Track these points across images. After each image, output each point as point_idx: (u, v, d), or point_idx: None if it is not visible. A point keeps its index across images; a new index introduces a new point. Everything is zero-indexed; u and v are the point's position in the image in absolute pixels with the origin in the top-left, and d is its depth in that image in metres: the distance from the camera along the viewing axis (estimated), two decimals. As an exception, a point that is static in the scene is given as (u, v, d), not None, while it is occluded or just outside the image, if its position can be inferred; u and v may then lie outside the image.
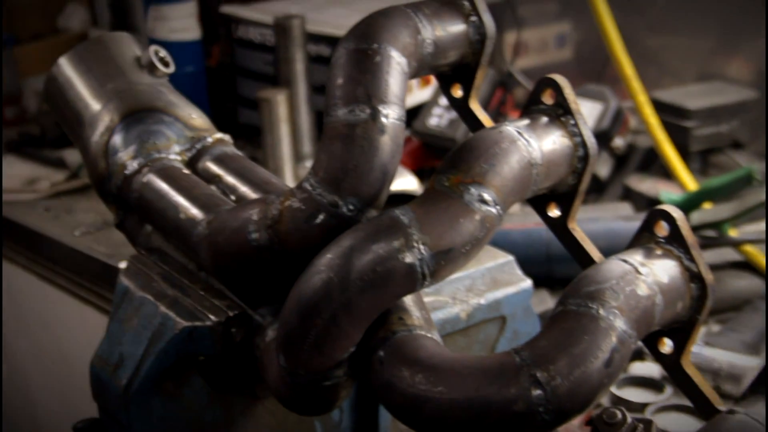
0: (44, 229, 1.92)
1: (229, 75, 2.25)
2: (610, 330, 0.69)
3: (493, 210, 0.75)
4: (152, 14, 2.17)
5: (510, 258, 1.07)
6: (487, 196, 0.74)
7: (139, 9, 2.38)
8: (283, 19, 1.97)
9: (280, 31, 1.97)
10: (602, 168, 1.88)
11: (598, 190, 1.88)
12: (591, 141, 0.82)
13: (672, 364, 0.79)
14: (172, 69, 1.06)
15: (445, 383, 0.70)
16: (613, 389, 1.25)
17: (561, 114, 0.82)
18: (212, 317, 0.87)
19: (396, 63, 0.80)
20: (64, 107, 1.04)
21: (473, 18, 0.87)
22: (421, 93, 2.07)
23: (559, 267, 1.49)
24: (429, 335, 0.76)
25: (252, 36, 2.17)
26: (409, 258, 0.73)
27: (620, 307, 0.70)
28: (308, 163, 1.99)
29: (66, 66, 1.03)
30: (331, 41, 2.04)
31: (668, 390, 1.25)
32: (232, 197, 0.95)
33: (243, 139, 2.14)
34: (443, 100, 1.99)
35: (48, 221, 1.94)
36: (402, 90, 0.80)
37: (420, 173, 1.94)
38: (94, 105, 1.01)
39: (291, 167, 1.92)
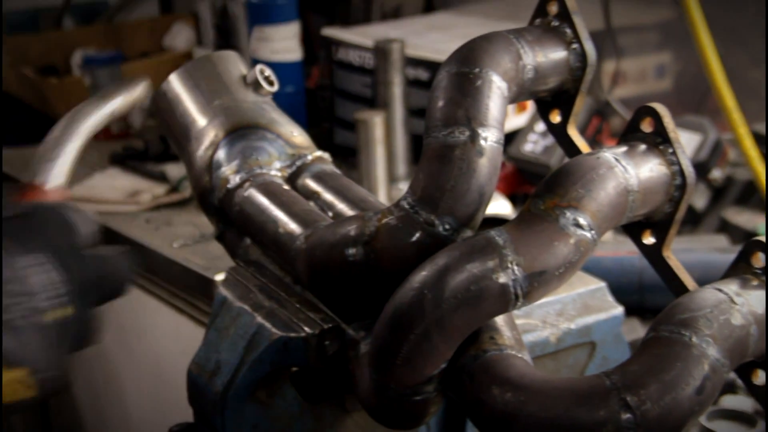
0: (145, 240, 1.97)
1: (327, 96, 2.29)
2: (702, 358, 0.69)
3: (588, 234, 0.76)
4: (256, 35, 2.22)
5: (602, 284, 1.08)
6: (582, 221, 0.75)
7: (243, 29, 2.44)
8: (383, 43, 2.01)
9: (379, 54, 2.01)
10: (699, 199, 1.86)
11: (694, 221, 1.86)
12: (689, 170, 0.82)
13: (766, 397, 0.78)
14: (275, 88, 1.09)
15: (535, 403, 0.70)
16: (703, 421, 1.23)
17: (659, 142, 0.82)
18: (307, 329, 0.89)
19: (497, 87, 0.81)
20: (171, 122, 1.08)
21: (574, 45, 0.88)
22: (517, 119, 2.08)
23: (652, 296, 1.48)
24: (520, 355, 0.77)
25: (351, 58, 2.21)
26: (502, 278, 0.74)
27: (713, 335, 0.70)
28: (402, 185, 2.01)
29: (175, 82, 1.07)
30: (430, 65, 2.07)
31: (761, 425, 1.23)
32: (330, 214, 0.98)
33: (338, 159, 2.16)
34: (539, 127, 1.99)
35: (149, 232, 2.00)
36: (502, 114, 0.82)
37: (513, 198, 1.94)
38: (201, 120, 1.05)
39: (385, 188, 1.95)
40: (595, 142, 2.03)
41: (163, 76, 1.08)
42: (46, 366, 0.70)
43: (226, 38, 2.70)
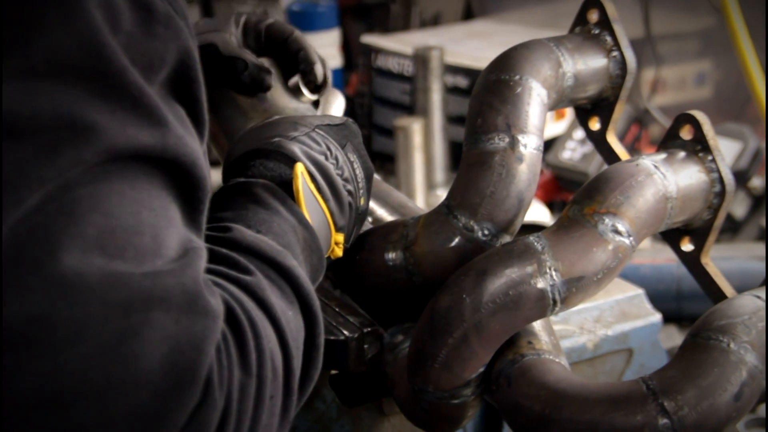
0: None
1: (366, 103, 2.31)
2: (740, 364, 0.69)
3: (626, 241, 0.76)
4: (296, 42, 2.24)
5: (639, 291, 1.08)
6: (620, 227, 0.76)
7: (284, 37, 2.46)
8: (422, 50, 2.02)
9: (419, 61, 2.02)
10: (738, 208, 1.85)
11: (734, 229, 1.85)
12: (728, 177, 0.82)
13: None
14: (315, 97, 1.10)
15: (572, 407, 0.71)
16: (741, 429, 1.23)
17: (699, 150, 0.83)
18: (346, 332, 0.90)
19: (536, 94, 0.82)
20: (217, 126, 1.09)
21: (614, 53, 0.89)
22: (555, 126, 2.08)
23: (690, 304, 1.48)
24: (557, 360, 0.78)
25: (391, 65, 2.22)
26: (541, 283, 0.74)
27: (752, 342, 0.70)
28: (440, 192, 2.02)
29: (220, 88, 1.09)
30: (469, 73, 2.07)
31: (799, 435, 1.22)
32: (369, 219, 0.99)
33: (376, 165, 2.18)
34: (577, 134, 1.99)
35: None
36: (541, 121, 0.82)
37: (551, 206, 1.94)
38: (245, 126, 1.06)
39: (423, 195, 1.95)
40: (633, 150, 2.02)
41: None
42: (350, 238, 0.86)
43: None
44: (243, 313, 0.63)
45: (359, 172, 0.86)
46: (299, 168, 0.78)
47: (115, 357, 0.53)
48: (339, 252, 0.83)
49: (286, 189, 0.78)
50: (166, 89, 0.61)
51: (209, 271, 0.65)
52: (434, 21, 2.72)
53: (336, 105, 1.06)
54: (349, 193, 0.83)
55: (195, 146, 0.62)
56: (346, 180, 0.83)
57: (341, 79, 2.33)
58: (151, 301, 0.55)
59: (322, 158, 0.82)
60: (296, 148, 0.81)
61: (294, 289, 0.70)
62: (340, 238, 0.83)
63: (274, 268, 0.70)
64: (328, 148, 0.83)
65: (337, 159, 0.83)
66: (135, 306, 0.55)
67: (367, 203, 0.88)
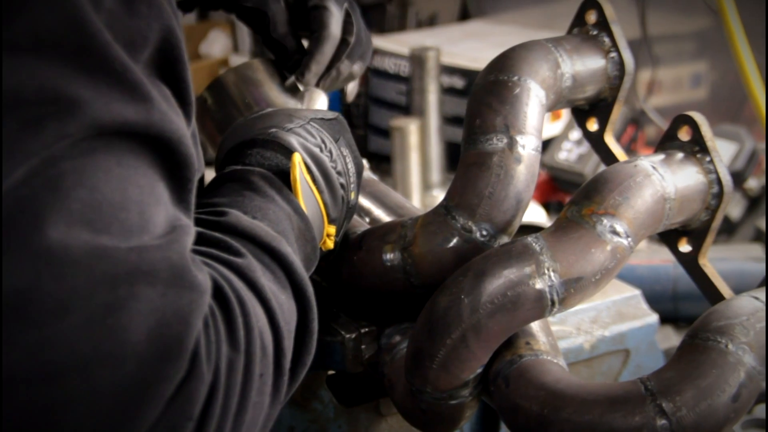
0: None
1: (361, 103, 2.31)
2: (738, 365, 0.69)
3: (625, 242, 0.76)
4: (292, 42, 2.24)
5: (636, 292, 1.08)
6: (619, 228, 0.76)
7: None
8: (419, 51, 2.02)
9: (415, 62, 2.02)
10: (734, 209, 1.85)
11: (729, 230, 1.85)
12: (726, 178, 0.82)
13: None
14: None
15: (570, 407, 0.71)
16: (738, 430, 1.23)
17: (697, 151, 0.83)
18: (343, 333, 0.90)
19: (535, 95, 0.82)
20: (212, 126, 1.09)
21: (613, 54, 0.89)
22: (551, 127, 2.08)
23: (686, 305, 1.48)
24: (555, 361, 0.78)
25: (387, 66, 2.22)
26: (539, 284, 0.74)
27: (750, 343, 0.70)
28: (436, 192, 2.02)
29: (217, 89, 1.09)
30: (465, 73, 2.08)
31: (795, 436, 1.22)
32: (367, 219, 0.99)
33: (372, 166, 2.18)
34: (573, 135, 1.99)
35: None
36: (540, 122, 0.82)
37: (547, 206, 1.94)
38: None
39: (419, 195, 1.96)
40: (629, 151, 2.03)
41: (200, 83, 1.09)
42: (340, 231, 0.86)
43: (263, 45, 2.72)
44: (231, 291, 0.63)
45: (351, 167, 0.87)
46: (297, 158, 0.79)
47: (102, 329, 0.54)
48: (330, 244, 0.84)
49: (282, 179, 0.79)
50: (150, 68, 0.61)
51: (201, 253, 0.65)
52: (430, 21, 2.72)
53: (319, 103, 1.06)
54: (342, 186, 0.84)
55: (180, 124, 0.62)
56: (339, 173, 0.84)
57: (337, 80, 2.34)
58: (137, 275, 0.55)
59: (317, 150, 0.83)
60: (293, 139, 0.81)
61: (287, 274, 0.71)
62: (332, 230, 0.83)
63: (268, 253, 0.70)
64: (323, 141, 0.84)
65: (331, 152, 0.84)
66: (121, 279, 0.55)
67: (357, 198, 0.89)
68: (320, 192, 0.81)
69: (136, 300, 0.55)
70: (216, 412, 0.59)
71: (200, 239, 0.66)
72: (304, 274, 0.72)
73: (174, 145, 0.61)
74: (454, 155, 2.12)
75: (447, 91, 2.08)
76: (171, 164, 0.61)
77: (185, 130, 0.62)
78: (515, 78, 0.82)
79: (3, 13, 0.53)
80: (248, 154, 0.81)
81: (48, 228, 0.53)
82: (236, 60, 2.80)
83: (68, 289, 0.53)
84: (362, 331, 0.90)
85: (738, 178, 1.85)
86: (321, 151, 0.83)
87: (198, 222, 0.68)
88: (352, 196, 0.87)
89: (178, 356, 0.56)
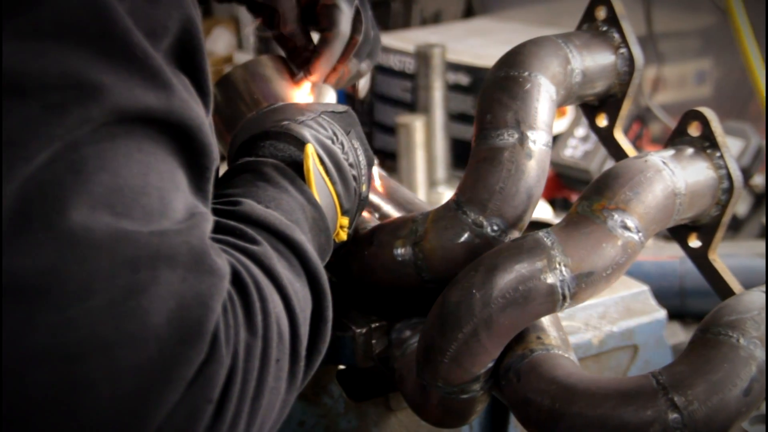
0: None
1: (366, 100, 2.31)
2: (750, 359, 0.69)
3: (636, 237, 0.76)
4: (297, 39, 2.24)
5: (644, 288, 1.08)
6: (630, 223, 0.76)
7: (284, 34, 2.46)
8: (424, 48, 2.02)
9: (421, 59, 2.02)
10: (740, 206, 1.85)
11: (735, 227, 1.86)
12: (736, 174, 0.83)
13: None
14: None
15: (582, 402, 0.71)
16: (746, 426, 1.23)
17: (707, 146, 0.83)
18: (354, 328, 0.90)
19: (545, 91, 0.82)
20: (222, 123, 1.09)
21: (622, 50, 0.89)
22: (557, 124, 2.08)
23: (693, 301, 1.48)
24: (566, 355, 0.78)
25: (392, 63, 2.23)
26: (550, 279, 0.75)
27: (761, 337, 0.70)
28: (441, 189, 2.02)
29: (226, 85, 1.09)
30: (470, 70, 2.08)
31: (803, 432, 1.22)
32: (376, 215, 0.99)
33: (378, 162, 2.18)
34: (579, 132, 2.00)
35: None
36: (550, 117, 0.83)
37: (552, 203, 1.95)
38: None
39: (425, 192, 1.96)
40: (635, 148, 2.02)
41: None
42: (352, 223, 0.87)
43: (267, 42, 2.72)
44: (249, 277, 0.64)
45: (362, 159, 0.88)
46: (310, 149, 0.79)
47: (123, 311, 0.54)
48: (343, 236, 0.85)
49: (295, 170, 0.79)
50: (170, 58, 0.62)
51: (218, 241, 0.65)
52: (435, 19, 2.72)
53: (328, 99, 1.07)
54: (354, 178, 0.85)
55: (200, 112, 0.62)
56: (351, 165, 0.85)
57: (342, 77, 2.34)
58: (158, 259, 0.56)
59: (329, 142, 0.83)
60: (305, 131, 0.82)
61: (302, 262, 0.71)
62: (345, 221, 0.84)
63: (283, 241, 0.71)
64: (335, 134, 0.85)
65: (342, 144, 0.85)
66: (142, 262, 0.55)
67: (368, 190, 0.89)
68: (333, 183, 0.82)
69: (157, 283, 0.55)
70: (234, 396, 0.59)
71: (216, 228, 0.67)
72: (319, 263, 0.73)
73: (194, 133, 0.61)
74: (459, 152, 2.12)
75: (452, 88, 2.08)
76: (190, 152, 0.62)
77: (204, 118, 0.63)
78: (526, 74, 0.82)
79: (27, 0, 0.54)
80: (261, 147, 0.82)
81: (70, 211, 0.54)
82: (240, 57, 2.80)
83: (90, 271, 0.54)
84: (373, 326, 0.90)
85: (744, 174, 1.84)
86: (333, 143, 0.84)
87: (212, 212, 0.68)
88: (364, 188, 0.88)
89: (199, 339, 0.57)
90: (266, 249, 0.68)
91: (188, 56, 0.63)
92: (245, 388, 0.60)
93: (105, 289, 0.54)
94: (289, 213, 0.75)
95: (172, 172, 0.60)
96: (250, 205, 0.72)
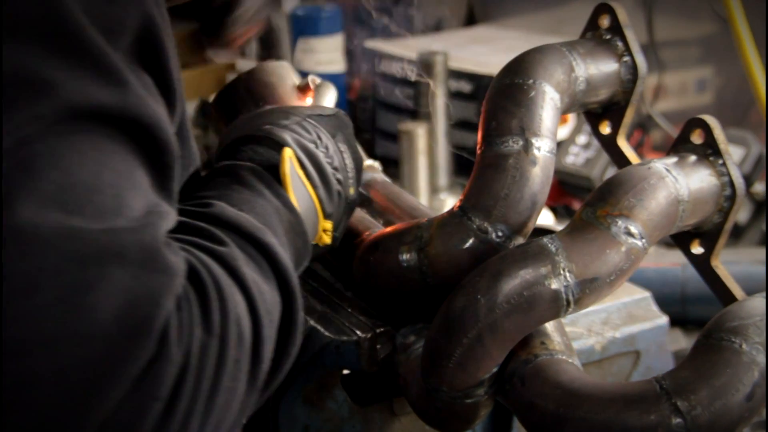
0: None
1: (368, 107, 2.32)
2: (752, 365, 0.70)
3: (639, 243, 0.77)
4: (300, 46, 2.26)
5: (646, 294, 1.09)
6: (633, 229, 0.77)
7: (286, 42, 2.47)
8: (427, 55, 2.03)
9: (423, 66, 2.03)
10: (741, 213, 1.86)
11: (736, 235, 1.86)
12: (739, 181, 0.83)
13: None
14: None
15: (586, 406, 0.72)
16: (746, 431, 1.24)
17: (709, 154, 0.84)
18: (359, 333, 0.91)
19: (550, 98, 0.83)
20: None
21: (626, 58, 0.90)
22: (558, 131, 2.09)
23: (694, 307, 1.49)
24: (570, 360, 0.79)
25: (394, 70, 2.23)
26: (555, 284, 0.75)
27: (763, 343, 0.71)
28: (443, 195, 2.02)
29: (231, 91, 1.10)
30: (472, 78, 2.08)
31: (804, 438, 1.23)
32: (381, 221, 1.00)
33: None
34: (580, 139, 2.00)
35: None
36: (555, 124, 0.83)
37: (554, 210, 1.95)
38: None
39: (427, 199, 1.96)
40: (637, 156, 2.03)
41: (206, 87, 1.10)
42: (339, 227, 0.87)
43: (269, 50, 2.73)
44: (209, 276, 0.63)
45: (349, 162, 0.88)
46: (287, 153, 0.80)
47: (69, 308, 0.54)
48: (327, 239, 0.85)
49: (275, 174, 0.79)
50: (130, 56, 0.62)
51: (183, 241, 0.65)
52: (437, 26, 2.73)
53: (328, 97, 1.07)
54: (339, 181, 0.85)
55: (159, 110, 0.62)
56: (335, 169, 0.85)
57: (344, 84, 2.35)
58: (107, 256, 0.56)
59: (312, 146, 0.83)
60: (287, 135, 0.82)
61: (272, 264, 0.71)
62: (328, 225, 0.84)
63: (253, 243, 0.71)
64: (319, 137, 0.85)
65: (327, 148, 0.85)
66: (91, 259, 0.55)
67: (357, 193, 0.89)
68: (314, 187, 0.82)
69: (105, 280, 0.55)
70: (186, 394, 0.59)
71: (185, 228, 0.67)
72: (290, 266, 0.72)
73: (152, 129, 0.61)
74: (461, 159, 2.13)
75: (454, 95, 2.09)
76: (151, 151, 0.62)
77: (164, 116, 0.62)
78: (530, 81, 0.83)
79: None
80: (241, 150, 0.82)
81: (18, 207, 0.54)
82: (243, 65, 2.80)
83: (37, 267, 0.54)
84: (377, 331, 0.91)
85: (745, 182, 1.85)
86: (316, 146, 0.84)
87: (183, 213, 0.69)
88: (351, 191, 0.87)
89: (146, 336, 0.57)
90: (232, 250, 0.68)
91: (150, 55, 0.63)
92: (199, 387, 0.60)
93: (51, 285, 0.54)
94: (263, 216, 0.74)
95: (131, 170, 0.60)
96: (222, 207, 0.72)
